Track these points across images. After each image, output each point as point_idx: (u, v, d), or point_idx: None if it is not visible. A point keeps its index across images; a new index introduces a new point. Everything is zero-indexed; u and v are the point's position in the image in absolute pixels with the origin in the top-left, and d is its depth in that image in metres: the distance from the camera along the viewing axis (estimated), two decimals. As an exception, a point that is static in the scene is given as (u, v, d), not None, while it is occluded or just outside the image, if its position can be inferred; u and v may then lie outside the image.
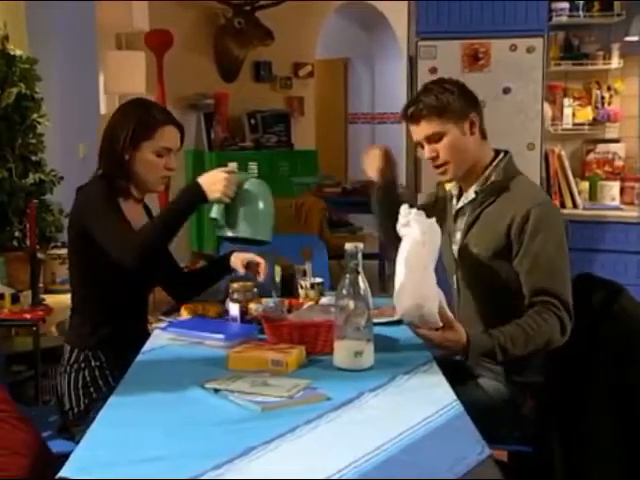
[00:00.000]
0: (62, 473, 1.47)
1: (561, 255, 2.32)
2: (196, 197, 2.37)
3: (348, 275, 2.09)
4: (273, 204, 2.48)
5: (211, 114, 7.54)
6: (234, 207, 2.38)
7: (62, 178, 3.92)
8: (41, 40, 4.43)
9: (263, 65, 8.17)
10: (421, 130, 2.42)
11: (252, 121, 7.85)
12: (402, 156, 9.32)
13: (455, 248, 2.51)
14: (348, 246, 2.10)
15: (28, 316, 3.33)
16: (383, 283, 6.57)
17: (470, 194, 2.45)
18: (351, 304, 2.07)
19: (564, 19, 4.66)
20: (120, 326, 2.56)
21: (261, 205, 2.41)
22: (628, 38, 4.65)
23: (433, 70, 4.33)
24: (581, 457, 2.34)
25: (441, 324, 2.19)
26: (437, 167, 2.44)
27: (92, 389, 2.50)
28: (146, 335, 2.70)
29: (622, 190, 4.76)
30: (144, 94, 5.75)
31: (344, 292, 2.09)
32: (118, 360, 2.53)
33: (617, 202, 4.72)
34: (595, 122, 4.90)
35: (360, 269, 2.09)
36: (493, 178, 2.41)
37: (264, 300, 2.40)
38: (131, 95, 5.70)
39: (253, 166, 7.55)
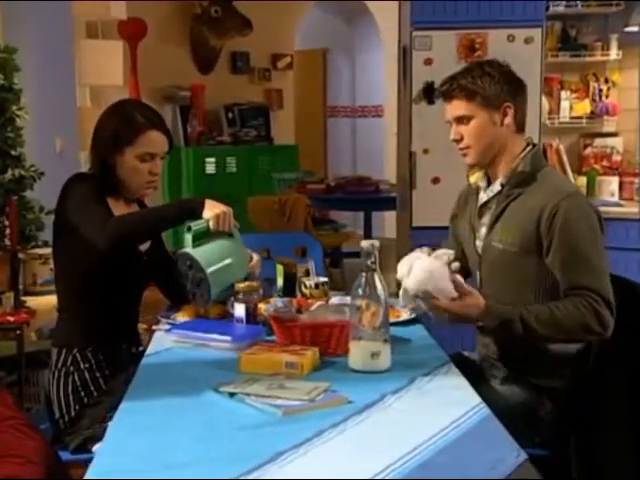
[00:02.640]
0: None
1: (596, 248, 2.32)
2: (193, 206, 2.46)
3: (364, 273, 2.10)
4: (238, 278, 2.50)
5: (187, 107, 7.53)
6: (212, 240, 2.46)
7: (42, 174, 3.89)
8: (15, 29, 4.39)
9: (240, 56, 8.17)
10: (451, 110, 2.46)
11: (230, 114, 7.85)
12: (386, 150, 9.40)
13: (479, 244, 2.53)
14: (364, 243, 2.11)
15: (11, 319, 3.30)
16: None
17: (496, 186, 2.47)
18: (367, 303, 2.08)
19: (561, 9, 4.71)
20: (109, 325, 2.58)
21: (231, 260, 2.46)
22: (628, 29, 4.70)
23: (428, 61, 4.34)
24: (597, 462, 2.37)
25: (456, 294, 2.22)
26: (460, 149, 2.49)
27: (83, 394, 2.51)
28: (136, 335, 2.72)
29: (620, 185, 4.81)
30: (121, 86, 5.72)
31: (359, 291, 2.10)
32: (108, 361, 2.56)
33: (616, 198, 4.77)
34: (593, 115, 4.95)
35: (377, 267, 2.11)
36: (520, 170, 2.42)
37: (272, 300, 2.41)
38: (107, 87, 5.70)
39: (232, 162, 7.56)
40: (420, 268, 2.24)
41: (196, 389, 1.98)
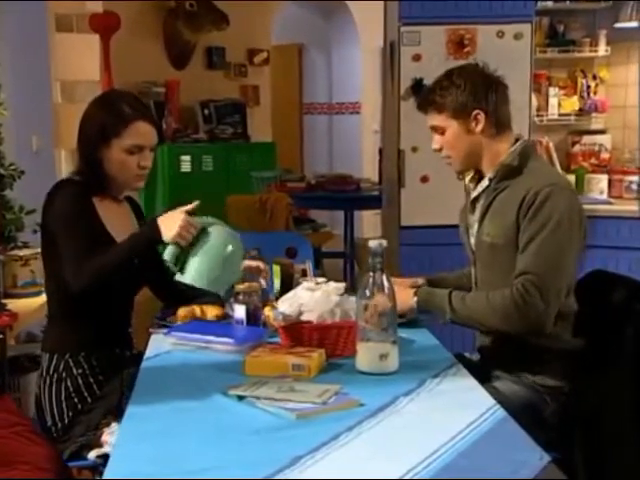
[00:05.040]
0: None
1: (557, 240, 2.32)
2: (152, 236, 2.38)
3: (372, 274, 2.12)
4: (239, 257, 2.43)
5: (162, 103, 7.48)
6: (190, 252, 2.36)
7: (23, 172, 3.85)
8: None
9: (216, 51, 8.14)
10: (428, 120, 2.54)
11: (205, 111, 7.81)
12: (364, 148, 9.42)
13: (472, 240, 2.58)
14: (372, 243, 2.13)
15: (-6, 322, 3.26)
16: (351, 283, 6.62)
17: (484, 181, 2.52)
18: (375, 304, 2.10)
19: (550, 4, 4.75)
20: (102, 330, 2.55)
21: (218, 256, 2.36)
22: (618, 25, 4.75)
23: (417, 57, 4.35)
24: (604, 464, 2.40)
25: None
26: (443, 158, 2.56)
27: (76, 400, 2.48)
28: (129, 338, 2.70)
29: (610, 183, 4.86)
30: (97, 81, 5.69)
31: (367, 292, 2.11)
32: (102, 366, 2.53)
33: (605, 196, 4.82)
34: (581, 112, 4.99)
35: (384, 267, 2.12)
36: (507, 163, 2.46)
37: (274, 303, 2.41)
38: (82, 82, 5.66)
39: (208, 160, 7.52)
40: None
41: (203, 392, 1.98)
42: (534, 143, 4.61)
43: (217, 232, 2.39)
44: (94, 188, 2.54)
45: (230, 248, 2.37)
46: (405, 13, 4.36)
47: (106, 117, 2.50)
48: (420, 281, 2.67)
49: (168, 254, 2.34)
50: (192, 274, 2.34)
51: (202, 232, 2.38)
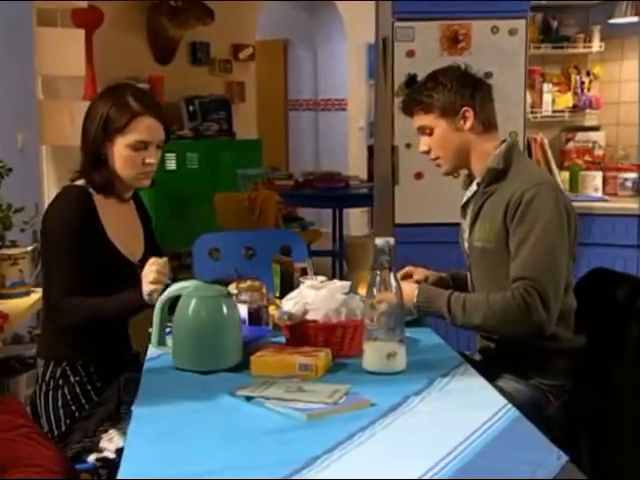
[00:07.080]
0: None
1: (549, 242, 2.34)
2: (134, 297, 2.32)
3: (378, 272, 2.12)
4: (217, 326, 2.17)
5: (146, 100, 7.44)
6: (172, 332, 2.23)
7: (10, 170, 3.82)
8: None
9: (200, 46, 8.11)
10: (414, 122, 2.58)
11: (190, 108, 7.77)
12: (351, 145, 9.43)
13: (466, 245, 2.61)
14: (379, 241, 2.13)
15: (-14, 324, 3.22)
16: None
17: (473, 186, 2.56)
18: (381, 302, 2.10)
19: (543, 1, 4.78)
20: (101, 338, 2.50)
21: (186, 331, 2.19)
22: (612, 20, 4.79)
23: (410, 53, 4.37)
24: (609, 461, 2.42)
25: None
26: (432, 160, 2.59)
27: (74, 407, 2.45)
28: (127, 340, 2.67)
29: (604, 180, 4.89)
30: (82, 77, 5.66)
31: (374, 290, 2.12)
32: (100, 373, 2.50)
33: (600, 193, 4.85)
34: (575, 109, 5.02)
35: (391, 266, 2.13)
36: (493, 167, 2.49)
37: (282, 302, 2.41)
38: (67, 77, 5.63)
39: (193, 157, 7.49)
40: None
41: (210, 393, 1.98)
42: (528, 143, 4.65)
43: (182, 303, 2.20)
44: (98, 187, 2.48)
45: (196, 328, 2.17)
46: (399, 8, 4.36)
47: (110, 111, 2.42)
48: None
49: (153, 337, 2.26)
50: (178, 354, 2.21)
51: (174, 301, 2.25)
